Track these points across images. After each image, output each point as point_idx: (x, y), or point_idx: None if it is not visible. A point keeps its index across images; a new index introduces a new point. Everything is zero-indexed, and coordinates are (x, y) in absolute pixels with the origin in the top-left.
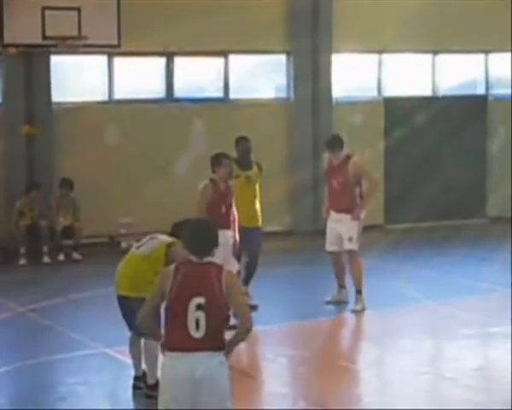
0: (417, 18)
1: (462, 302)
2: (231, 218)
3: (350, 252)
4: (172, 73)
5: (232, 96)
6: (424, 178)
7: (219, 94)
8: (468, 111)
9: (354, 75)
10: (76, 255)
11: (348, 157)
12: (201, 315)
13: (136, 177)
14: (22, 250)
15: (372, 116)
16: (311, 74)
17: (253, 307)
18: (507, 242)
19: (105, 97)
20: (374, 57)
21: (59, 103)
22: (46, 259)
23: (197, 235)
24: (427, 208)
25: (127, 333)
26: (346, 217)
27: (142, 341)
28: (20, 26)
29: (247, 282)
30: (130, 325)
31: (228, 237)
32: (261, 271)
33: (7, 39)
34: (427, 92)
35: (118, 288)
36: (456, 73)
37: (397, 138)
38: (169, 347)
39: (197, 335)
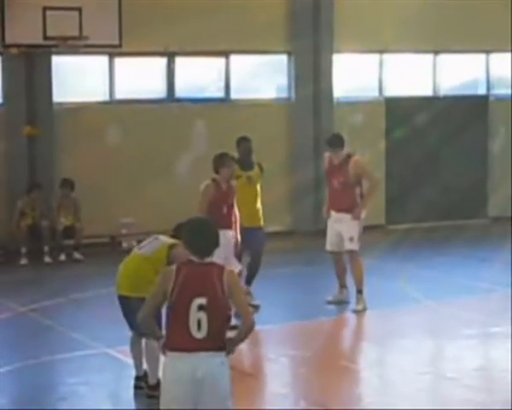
0: (418, 18)
1: (462, 302)
2: (233, 218)
3: (351, 252)
4: (173, 73)
5: (233, 96)
6: (425, 178)
7: (220, 94)
8: (469, 111)
9: (355, 75)
10: (77, 255)
11: (349, 156)
12: (203, 316)
13: (137, 177)
14: (23, 250)
15: (373, 116)
16: (312, 74)
17: (255, 307)
18: (507, 242)
19: (106, 97)
20: (375, 57)
21: (60, 104)
22: (47, 259)
23: (198, 235)
24: (428, 209)
25: (128, 333)
26: (347, 216)
27: (144, 341)
28: (22, 27)
29: (249, 282)
30: (132, 325)
31: (229, 238)
32: (262, 271)
33: (8, 40)
34: (428, 92)
35: (119, 288)
36: (457, 73)
37: (398, 138)
38: (170, 347)
39: (199, 335)
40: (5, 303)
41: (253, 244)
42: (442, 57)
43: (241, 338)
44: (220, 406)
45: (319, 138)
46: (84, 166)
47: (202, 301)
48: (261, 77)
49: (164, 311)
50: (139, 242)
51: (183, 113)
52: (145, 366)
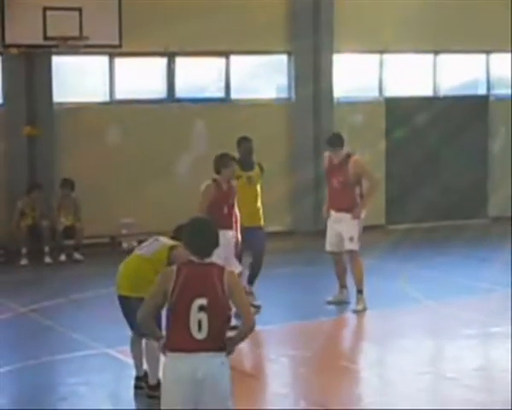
0: (418, 18)
1: (462, 302)
2: (233, 218)
3: (351, 252)
4: (173, 73)
5: (233, 96)
6: (425, 178)
7: (220, 94)
8: (470, 111)
9: (355, 75)
10: (77, 256)
11: (348, 156)
12: (204, 316)
13: (138, 177)
14: (23, 251)
15: (373, 116)
16: (312, 74)
17: (257, 308)
18: (507, 242)
19: (106, 98)
20: (375, 57)
21: (60, 104)
22: (47, 259)
23: (198, 235)
24: (428, 209)
25: (128, 333)
26: (347, 216)
27: (144, 341)
28: (22, 27)
29: (251, 282)
30: (131, 325)
31: (230, 238)
32: (262, 271)
33: (8, 40)
34: (429, 92)
35: (119, 288)
36: (457, 73)
37: (398, 138)
38: (171, 348)
39: (199, 336)
40: (5, 303)
41: (253, 244)
42: (442, 57)
43: (241, 338)
44: (220, 406)
45: (319, 138)
46: (84, 166)
47: (203, 301)
48: (261, 77)
49: (164, 312)
50: (139, 242)
51: (184, 113)
52: (145, 366)
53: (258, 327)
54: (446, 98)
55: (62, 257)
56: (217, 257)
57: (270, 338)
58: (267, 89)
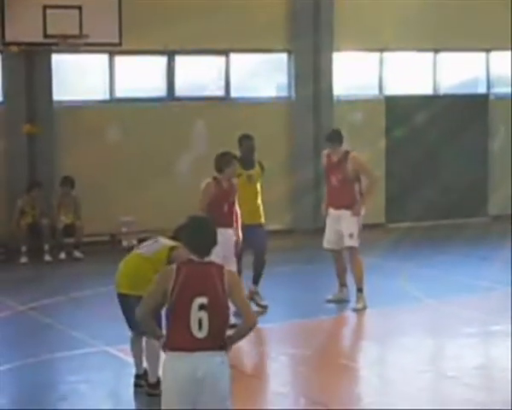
0: (418, 16)
1: (462, 301)
2: (234, 216)
3: (350, 249)
4: (173, 71)
5: (233, 94)
6: (425, 176)
7: (220, 93)
8: (470, 110)
9: (355, 74)
10: (77, 254)
11: (347, 153)
12: (204, 315)
13: (138, 175)
14: (23, 249)
15: (373, 115)
16: (312, 73)
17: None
18: (507, 240)
19: (106, 96)
20: (375, 56)
21: (60, 102)
22: (47, 257)
23: (196, 234)
24: (428, 207)
25: (128, 331)
26: (346, 213)
27: (144, 339)
28: (22, 25)
29: (256, 281)
30: (130, 324)
31: (229, 236)
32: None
33: (8, 38)
34: (429, 91)
35: (118, 286)
36: (457, 71)
37: (398, 137)
38: (171, 347)
39: (200, 335)
40: (5, 301)
41: (254, 242)
42: (442, 56)
43: (240, 336)
44: (219, 406)
45: (319, 137)
46: (84, 164)
47: (203, 300)
48: (261, 76)
49: (163, 311)
50: (139, 240)
51: (183, 111)
52: (145, 364)
53: (258, 325)
54: (446, 97)
55: (62, 255)
56: (215, 256)
57: (269, 336)
58: (267, 87)
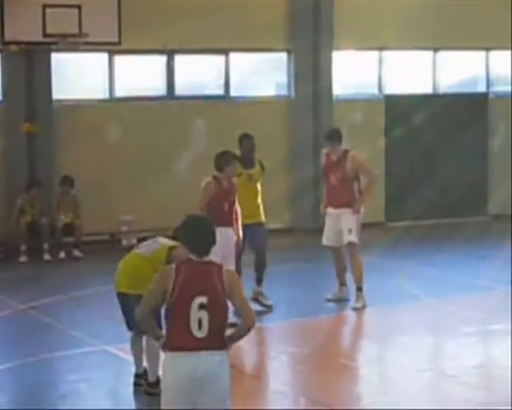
0: (418, 15)
1: (462, 300)
2: (234, 215)
3: (350, 245)
4: (173, 70)
5: (233, 93)
6: (425, 175)
7: (220, 92)
8: (469, 109)
9: (355, 73)
10: (76, 253)
11: (346, 152)
12: (204, 314)
13: (137, 174)
14: (23, 248)
15: (373, 114)
16: (311, 72)
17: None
18: (507, 239)
19: (106, 95)
20: (374, 55)
21: (59, 101)
22: (47, 256)
23: (194, 233)
24: (427, 206)
25: (127, 331)
26: (346, 210)
27: (144, 339)
28: (21, 24)
29: (259, 282)
30: (129, 323)
31: (229, 236)
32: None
33: (8, 37)
34: (428, 90)
35: (117, 285)
36: (456, 70)
37: (397, 136)
38: (171, 347)
39: (200, 334)
40: (4, 301)
41: (254, 241)
42: (441, 54)
43: (239, 336)
44: (219, 405)
45: (319, 136)
46: (83, 163)
47: (203, 299)
48: (261, 75)
49: (163, 311)
50: (139, 240)
51: (183, 110)
52: (145, 363)
53: (257, 324)
54: (446, 96)
55: (62, 254)
56: (214, 255)
57: (269, 336)
58: (267, 86)
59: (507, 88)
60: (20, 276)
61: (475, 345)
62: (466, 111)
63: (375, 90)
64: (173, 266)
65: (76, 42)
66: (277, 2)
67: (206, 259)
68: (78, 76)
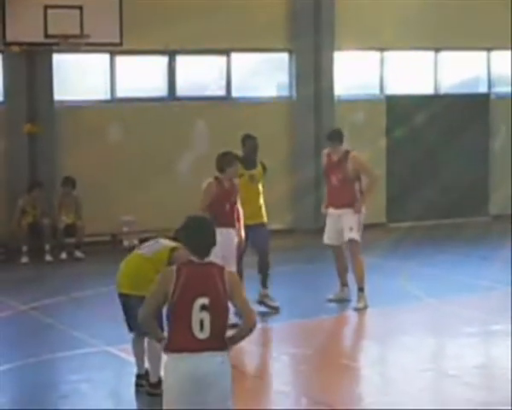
0: (419, 15)
1: (463, 300)
2: (235, 216)
3: (351, 242)
4: (174, 71)
5: (234, 94)
6: (426, 176)
7: (221, 92)
8: (471, 109)
9: (356, 73)
10: (78, 254)
11: (347, 152)
12: (206, 316)
13: (139, 175)
14: (24, 248)
15: (374, 114)
16: (313, 73)
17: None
18: (508, 240)
19: (107, 96)
20: (376, 55)
21: (61, 102)
22: (48, 257)
23: (195, 234)
24: (429, 207)
25: (129, 332)
26: (347, 210)
27: (146, 339)
28: (23, 25)
29: (264, 284)
30: (130, 324)
31: (231, 236)
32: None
33: (9, 38)
34: (429, 90)
35: (119, 286)
36: (458, 70)
37: (398, 136)
38: (173, 348)
39: (201, 336)
40: (6, 301)
41: (257, 241)
42: (443, 55)
43: (241, 337)
44: (221, 406)
45: (320, 136)
46: (85, 164)
47: (205, 301)
48: (262, 75)
49: (164, 312)
50: (140, 240)
51: (184, 111)
52: (147, 364)
53: (259, 325)
54: (447, 96)
55: (63, 255)
56: (214, 256)
57: (271, 336)
58: (268, 87)
59: (508, 89)
60: (22, 277)
61: (476, 345)
62: (467, 111)
63: (377, 91)
64: (174, 267)
65: (77, 43)
66: (279, 2)
67: (206, 260)
68: (79, 77)
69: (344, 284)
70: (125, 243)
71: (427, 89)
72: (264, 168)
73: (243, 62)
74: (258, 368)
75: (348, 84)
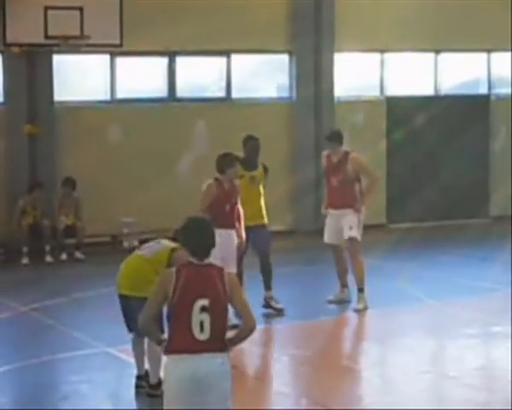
0: (419, 17)
1: (463, 302)
2: (235, 217)
3: (351, 241)
4: (174, 72)
5: (234, 95)
6: (426, 177)
7: (221, 93)
8: (471, 110)
9: (356, 74)
10: (78, 254)
11: (347, 153)
12: (206, 317)
13: (139, 176)
14: (25, 249)
15: (374, 115)
16: (313, 74)
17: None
18: (508, 241)
19: (107, 97)
20: (376, 56)
21: (61, 102)
22: (48, 258)
23: (194, 236)
24: (429, 208)
25: (128, 332)
26: (347, 211)
27: (146, 340)
28: (23, 26)
29: (268, 286)
30: (129, 325)
31: (230, 237)
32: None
33: (9, 38)
34: (429, 91)
35: (119, 287)
36: (458, 72)
37: (399, 138)
38: (173, 350)
39: (202, 337)
40: (6, 302)
41: (258, 242)
42: (443, 56)
43: (241, 338)
44: (221, 406)
45: (320, 138)
46: (85, 165)
47: (205, 302)
48: (262, 76)
49: (165, 313)
50: (140, 241)
51: (184, 112)
52: (147, 365)
53: (259, 326)
54: (447, 97)
55: (63, 256)
56: (213, 258)
57: (271, 337)
58: (268, 88)
59: (508, 90)
60: (22, 278)
61: (476, 347)
62: (467, 113)
63: (377, 92)
64: (173, 269)
65: (78, 44)
66: (279, 3)
67: (206, 261)
68: (79, 78)
69: (344, 286)
70: (125, 244)
71: (427, 90)
72: (265, 170)
73: (243, 63)
74: (258, 369)
75: (348, 85)
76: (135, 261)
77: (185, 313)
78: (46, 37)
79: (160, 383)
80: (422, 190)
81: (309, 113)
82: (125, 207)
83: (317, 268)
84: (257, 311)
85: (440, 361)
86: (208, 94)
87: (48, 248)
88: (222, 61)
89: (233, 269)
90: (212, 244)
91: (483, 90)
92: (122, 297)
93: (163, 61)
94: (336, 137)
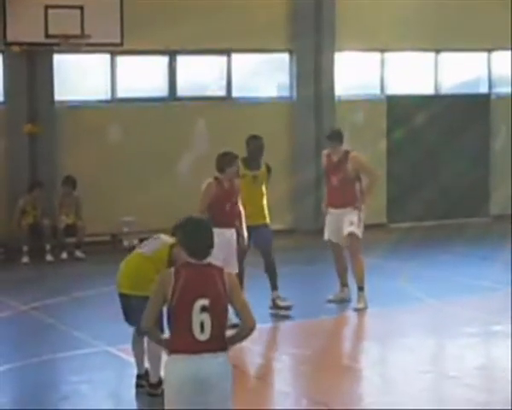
0: (420, 16)
1: (463, 301)
2: (235, 216)
3: (351, 237)
4: (175, 71)
5: (235, 94)
6: (426, 176)
7: (222, 93)
8: (471, 109)
9: (357, 74)
10: (79, 254)
11: (347, 152)
12: (206, 317)
13: (139, 175)
14: (25, 249)
15: (374, 115)
16: (313, 73)
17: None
18: (508, 240)
19: (108, 96)
20: (376, 56)
21: (61, 102)
22: (49, 257)
23: (193, 237)
24: (429, 207)
25: (130, 331)
26: (348, 209)
27: (146, 340)
28: (23, 25)
29: (274, 286)
30: (130, 323)
31: (231, 237)
32: (263, 270)
33: (10, 38)
34: (430, 91)
35: (119, 286)
36: (458, 71)
37: (399, 137)
38: (173, 350)
39: (202, 337)
40: (7, 302)
41: (260, 241)
42: (443, 55)
43: (240, 338)
44: (221, 406)
45: (320, 137)
46: (85, 164)
47: (205, 302)
48: (263, 75)
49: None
50: (141, 240)
51: (185, 111)
52: (147, 364)
53: (259, 326)
54: (448, 96)
55: (64, 255)
56: (214, 258)
57: (271, 337)
58: (268, 87)
59: (508, 89)
60: (22, 277)
61: (477, 346)
62: (468, 112)
63: (377, 91)
64: (172, 270)
65: (78, 43)
66: (279, 2)
67: (205, 261)
68: (80, 77)
69: (344, 285)
70: (125, 243)
71: (427, 89)
72: (268, 170)
73: (244, 63)
74: (258, 368)
75: (349, 84)
76: (135, 260)
77: (185, 313)
78: (46, 36)
79: (160, 382)
80: (423, 190)
81: (309, 112)
82: (125, 206)
83: (317, 267)
84: (258, 311)
85: (441, 361)
86: (209, 93)
87: (48, 247)
88: (222, 60)
89: (235, 269)
90: (211, 245)
91: (483, 89)
92: (122, 296)
93: (163, 61)
94: (336, 137)
